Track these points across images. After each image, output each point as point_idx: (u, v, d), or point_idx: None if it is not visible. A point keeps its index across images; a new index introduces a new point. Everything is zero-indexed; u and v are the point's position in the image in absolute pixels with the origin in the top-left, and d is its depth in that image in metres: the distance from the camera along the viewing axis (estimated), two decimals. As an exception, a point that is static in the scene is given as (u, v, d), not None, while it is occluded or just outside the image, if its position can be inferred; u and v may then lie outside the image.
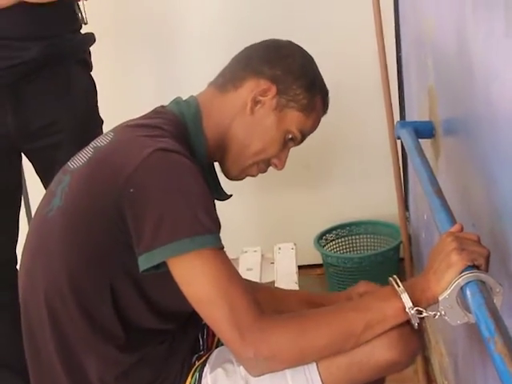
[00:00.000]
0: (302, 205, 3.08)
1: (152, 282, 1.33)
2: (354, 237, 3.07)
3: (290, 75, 1.46)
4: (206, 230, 1.24)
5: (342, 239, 3.06)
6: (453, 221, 1.33)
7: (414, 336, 1.31)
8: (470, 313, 1.19)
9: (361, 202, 3.04)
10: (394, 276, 1.30)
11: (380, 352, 1.29)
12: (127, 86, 2.93)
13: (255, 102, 1.44)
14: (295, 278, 2.44)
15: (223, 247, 1.28)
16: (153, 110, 1.49)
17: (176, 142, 1.34)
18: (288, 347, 1.26)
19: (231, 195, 1.57)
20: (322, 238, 3.00)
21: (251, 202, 3.07)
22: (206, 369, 1.43)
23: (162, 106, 1.50)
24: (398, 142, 2.35)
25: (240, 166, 1.49)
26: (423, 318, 1.27)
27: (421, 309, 1.26)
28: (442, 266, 1.22)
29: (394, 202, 2.66)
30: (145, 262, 1.24)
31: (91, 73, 2.19)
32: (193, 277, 1.25)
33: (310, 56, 1.53)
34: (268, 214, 3.09)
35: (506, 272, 1.19)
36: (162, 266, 1.25)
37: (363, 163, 2.98)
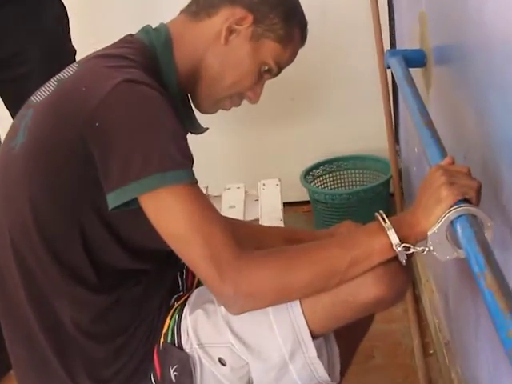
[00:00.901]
0: (288, 139, 3.07)
1: (123, 220, 1.32)
2: (342, 172, 3.07)
3: (267, 4, 1.43)
4: (177, 165, 1.23)
5: (330, 175, 3.06)
6: (443, 153, 1.33)
7: (401, 271, 1.31)
8: (459, 248, 1.19)
9: (349, 135, 3.03)
10: (381, 211, 1.30)
11: (366, 289, 1.29)
12: (102, 12, 2.87)
13: (230, 31, 1.42)
14: (280, 215, 2.43)
15: (197, 182, 1.27)
16: (121, 40, 1.47)
17: (145, 72, 1.32)
18: (269, 284, 1.26)
19: (207, 128, 1.56)
20: (309, 174, 3.00)
21: (234, 136, 3.05)
22: (186, 310, 1.43)
23: (131, 35, 1.48)
24: (388, 71, 2.34)
25: (213, 99, 1.48)
26: (411, 254, 1.27)
27: (408, 245, 1.26)
28: (431, 201, 1.22)
29: (384, 135, 2.68)
30: (114, 199, 1.24)
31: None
32: (166, 213, 1.24)
33: None
34: (252, 148, 3.08)
35: (497, 205, 1.20)
36: (133, 203, 1.24)
37: (352, 95, 2.96)
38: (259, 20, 1.43)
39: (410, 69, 1.78)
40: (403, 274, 1.32)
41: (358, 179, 3.06)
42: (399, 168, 2.82)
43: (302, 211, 3.07)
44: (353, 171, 3.06)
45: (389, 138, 2.66)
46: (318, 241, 1.37)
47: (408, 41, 2.32)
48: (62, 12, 2.15)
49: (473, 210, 1.16)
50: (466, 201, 1.18)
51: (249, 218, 2.50)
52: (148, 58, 1.40)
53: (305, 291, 1.30)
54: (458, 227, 1.14)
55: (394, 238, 1.25)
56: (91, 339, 1.38)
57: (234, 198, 2.58)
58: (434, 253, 1.23)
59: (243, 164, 3.08)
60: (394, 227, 1.25)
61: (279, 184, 2.65)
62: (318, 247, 1.31)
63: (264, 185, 2.66)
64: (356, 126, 3.01)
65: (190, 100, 1.50)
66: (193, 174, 1.26)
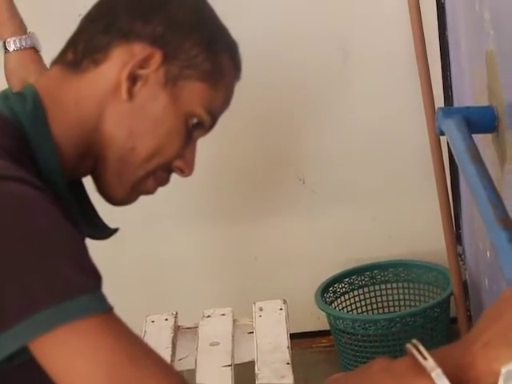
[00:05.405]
0: (296, 238, 3.08)
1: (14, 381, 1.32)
2: (377, 287, 3.10)
3: (178, 29, 1.46)
4: (77, 290, 1.21)
5: (360, 291, 3.09)
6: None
7: None
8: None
9: (387, 232, 3.06)
10: (414, 341, 1.24)
11: None
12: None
13: (133, 80, 1.44)
14: (286, 355, 2.42)
15: (111, 308, 1.25)
16: None
17: (8, 159, 1.33)
18: None
19: (116, 229, 1.56)
20: (328, 291, 3.01)
21: (215, 236, 3.06)
22: None
23: None
24: (442, 139, 2.34)
25: (127, 183, 1.49)
26: None
27: None
28: (496, 339, 1.19)
29: (439, 231, 2.66)
30: None
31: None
32: (69, 362, 1.22)
33: None
34: (242, 254, 3.09)
35: None
36: (20, 356, 1.23)
37: (390, 174, 3.00)
38: (172, 55, 1.45)
39: (475, 135, 1.77)
40: None
41: (402, 297, 3.07)
42: (463, 280, 2.83)
43: (320, 347, 3.10)
44: (394, 285, 3.08)
45: (446, 237, 2.67)
46: None
47: (470, 95, 2.35)
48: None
49: None
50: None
51: (239, 359, 2.52)
52: (10, 135, 1.40)
53: None
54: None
55: (442, 382, 1.20)
56: None
57: (217, 330, 2.59)
58: None
59: (229, 279, 3.08)
60: (440, 366, 1.20)
61: (284, 308, 2.66)
62: None
63: (261, 309, 2.67)
64: (397, 220, 3.04)
65: (97, 188, 1.51)
66: (103, 298, 1.24)
